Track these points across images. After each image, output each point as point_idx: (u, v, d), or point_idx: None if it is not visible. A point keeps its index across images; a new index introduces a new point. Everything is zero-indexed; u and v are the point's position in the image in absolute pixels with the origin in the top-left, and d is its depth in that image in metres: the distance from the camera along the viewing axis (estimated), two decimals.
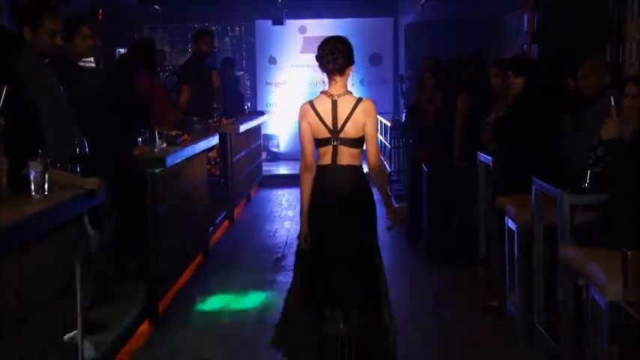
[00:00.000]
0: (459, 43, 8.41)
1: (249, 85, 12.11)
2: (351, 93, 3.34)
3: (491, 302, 4.47)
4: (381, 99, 11.79)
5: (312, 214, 3.28)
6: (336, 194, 3.23)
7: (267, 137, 11.65)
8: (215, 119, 6.85)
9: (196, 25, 10.45)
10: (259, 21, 11.77)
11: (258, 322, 4.42)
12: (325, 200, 3.25)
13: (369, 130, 3.24)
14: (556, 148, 4.08)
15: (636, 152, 2.84)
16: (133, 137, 4.43)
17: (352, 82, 3.35)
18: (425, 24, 10.26)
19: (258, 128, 9.52)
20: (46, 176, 2.67)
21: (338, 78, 3.32)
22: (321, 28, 11.87)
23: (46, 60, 3.48)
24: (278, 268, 5.64)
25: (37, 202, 2.62)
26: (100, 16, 9.21)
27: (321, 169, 3.28)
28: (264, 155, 10.91)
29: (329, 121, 3.25)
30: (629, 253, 2.31)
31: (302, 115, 3.31)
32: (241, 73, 11.65)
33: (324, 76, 3.35)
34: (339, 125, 3.24)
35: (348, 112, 3.25)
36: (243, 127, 7.81)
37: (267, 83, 12.04)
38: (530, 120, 4.30)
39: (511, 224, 4.08)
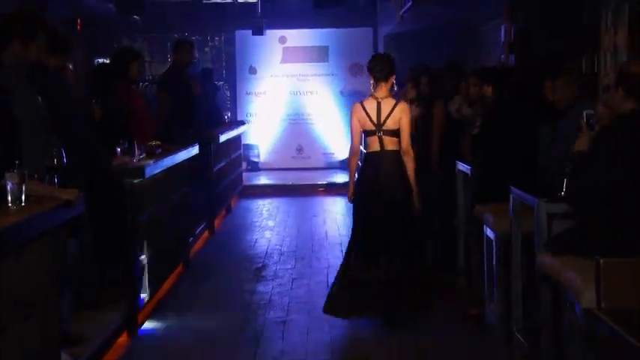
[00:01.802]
0: (438, 53, 8.48)
1: (229, 95, 12.09)
2: (391, 96, 4.40)
3: (472, 310, 4.49)
4: None
5: (365, 186, 4.38)
6: (384, 171, 4.32)
7: (248, 147, 11.64)
8: (195, 129, 6.83)
9: (176, 35, 10.44)
10: (239, 31, 11.78)
11: (239, 331, 4.40)
12: (375, 175, 4.32)
13: (404, 124, 4.31)
14: (534, 156, 4.13)
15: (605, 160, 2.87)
16: (112, 147, 4.40)
17: (394, 87, 4.55)
18: (404, 34, 10.33)
19: (238, 138, 9.51)
20: (23, 187, 2.65)
21: (383, 84, 4.37)
22: (301, 38, 11.94)
23: (25, 70, 3.45)
24: (258, 278, 5.63)
25: (13, 214, 2.59)
26: (79, 26, 9.16)
27: (372, 154, 4.38)
28: (244, 165, 10.90)
29: (374, 118, 4.32)
30: (601, 261, 2.34)
31: (353, 112, 4.39)
32: (221, 83, 11.64)
33: (373, 83, 4.38)
34: (382, 120, 4.29)
35: (389, 111, 4.30)
36: (223, 137, 7.80)
37: (248, 93, 12.05)
38: (507, 129, 4.36)
39: (489, 232, 4.11)
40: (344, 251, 4.68)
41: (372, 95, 4.39)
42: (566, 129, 3.60)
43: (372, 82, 4.37)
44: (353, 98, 11.88)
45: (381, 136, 4.32)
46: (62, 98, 3.89)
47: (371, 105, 4.36)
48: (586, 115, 3.17)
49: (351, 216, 4.59)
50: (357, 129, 4.38)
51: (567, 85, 3.97)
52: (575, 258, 2.83)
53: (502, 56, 6.74)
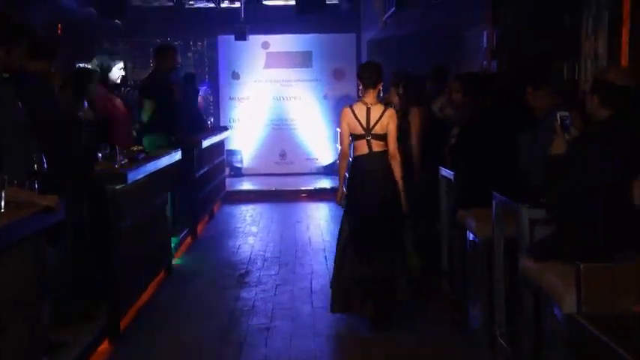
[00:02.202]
0: (421, 58, 8.52)
1: (212, 100, 12.07)
2: (380, 102, 4.61)
3: (455, 314, 4.52)
4: None
5: (354, 188, 4.55)
6: (372, 171, 4.51)
7: (231, 152, 11.62)
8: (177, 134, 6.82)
9: (158, 40, 10.40)
10: (222, 36, 11.77)
11: (221, 339, 4.39)
12: (364, 176, 4.51)
13: (391, 129, 4.51)
14: (515, 161, 4.17)
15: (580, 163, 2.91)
16: (94, 153, 4.38)
17: (381, 94, 4.82)
18: (387, 40, 10.38)
19: (221, 144, 9.49)
20: (2, 193, 2.63)
21: (371, 90, 4.54)
22: (284, 43, 11.95)
23: (5, 75, 3.43)
24: (241, 284, 5.62)
25: None
26: (60, 30, 9.10)
27: (360, 157, 4.54)
28: (227, 171, 10.87)
29: (364, 122, 4.49)
30: (581, 266, 2.36)
31: (343, 117, 4.55)
32: (203, 88, 11.61)
33: (362, 89, 4.57)
34: (371, 125, 4.48)
35: (378, 116, 4.50)
36: (206, 143, 7.78)
37: (231, 98, 12.03)
38: (489, 135, 4.40)
39: (472, 237, 4.13)
40: (330, 255, 4.80)
41: (361, 100, 4.57)
42: (544, 133, 3.64)
43: (360, 87, 4.59)
44: (336, 103, 12.00)
45: (369, 139, 4.51)
46: (48, 103, 3.87)
47: (360, 110, 4.53)
48: (560, 117, 3.17)
49: (341, 217, 4.72)
50: (347, 132, 4.56)
51: (548, 94, 4.02)
52: (556, 263, 2.86)
53: (484, 62, 6.79)
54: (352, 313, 4.54)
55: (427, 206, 5.38)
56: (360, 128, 4.52)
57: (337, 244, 4.64)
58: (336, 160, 11.30)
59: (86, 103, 4.88)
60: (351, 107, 4.57)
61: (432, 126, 5.57)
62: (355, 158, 4.61)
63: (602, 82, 2.94)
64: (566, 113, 3.19)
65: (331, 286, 4.63)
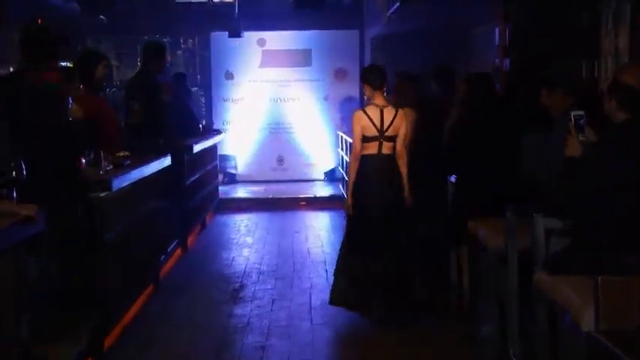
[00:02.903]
0: (427, 56, 8.55)
1: (204, 101, 12.10)
2: (390, 104, 4.96)
3: (464, 329, 4.52)
4: (346, 117, 11.89)
5: (361, 186, 4.91)
6: (380, 171, 4.90)
7: (224, 158, 11.64)
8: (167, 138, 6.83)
9: (146, 37, 10.43)
10: (215, 33, 11.81)
11: (215, 357, 4.39)
12: (371, 175, 4.89)
13: (402, 130, 4.94)
14: (517, 161, 4.22)
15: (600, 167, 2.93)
16: (77, 159, 4.38)
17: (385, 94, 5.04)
18: (392, 37, 10.42)
19: (214, 148, 9.50)
20: None
21: (379, 92, 4.93)
22: (282, 40, 11.99)
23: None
24: (236, 300, 5.62)
25: None
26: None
27: (369, 157, 4.90)
28: (220, 177, 10.88)
29: (378, 124, 4.87)
30: (599, 279, 2.37)
31: (357, 120, 4.86)
32: (195, 89, 11.64)
33: (370, 92, 4.94)
34: (385, 127, 4.86)
35: (391, 118, 4.87)
36: (197, 147, 7.79)
37: (224, 100, 12.06)
38: (489, 135, 4.46)
39: (484, 250, 4.14)
40: (331, 268, 5.07)
41: (372, 103, 4.92)
42: (557, 135, 3.66)
43: (366, 91, 4.98)
44: (338, 105, 12.03)
45: (381, 141, 4.89)
46: (52, 103, 3.89)
47: (374, 112, 4.89)
48: (574, 116, 3.19)
49: (348, 216, 5.09)
50: (360, 135, 4.88)
51: (563, 94, 4.04)
52: (573, 276, 2.87)
53: (496, 60, 6.81)
54: (352, 310, 4.90)
55: (432, 215, 5.39)
56: (373, 130, 4.87)
57: (344, 243, 5.04)
58: (337, 166, 11.34)
59: (71, 102, 4.89)
60: (364, 110, 4.91)
61: (431, 130, 5.56)
62: (363, 157, 4.93)
63: (620, 85, 2.97)
64: (581, 112, 3.21)
65: (334, 275, 5.02)
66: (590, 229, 2.93)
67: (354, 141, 4.93)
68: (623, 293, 2.35)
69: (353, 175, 4.98)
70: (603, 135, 3.06)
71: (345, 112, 11.93)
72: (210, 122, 11.59)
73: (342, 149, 10.20)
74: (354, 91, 11.89)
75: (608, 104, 3.05)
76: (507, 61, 6.41)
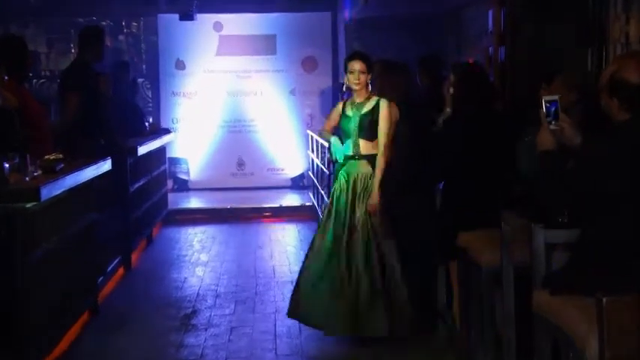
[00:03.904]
0: (411, 44, 8.63)
1: (150, 96, 12.05)
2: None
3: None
4: (316, 114, 11.94)
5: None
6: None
7: (174, 161, 11.60)
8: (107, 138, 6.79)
9: (81, 20, 10.37)
10: (163, 15, 11.78)
11: None
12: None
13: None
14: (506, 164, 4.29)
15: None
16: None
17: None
18: (370, 20, 10.47)
19: (162, 150, 9.47)
20: None
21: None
22: (242, 24, 11.99)
23: None
24: (187, 328, 5.59)
25: None
26: None
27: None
28: (170, 184, 10.84)
29: None
30: (604, 299, 2.39)
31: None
32: (140, 80, 11.59)
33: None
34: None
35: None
36: (142, 149, 7.76)
37: (174, 94, 12.03)
38: (477, 134, 4.53)
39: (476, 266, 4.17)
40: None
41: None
42: None
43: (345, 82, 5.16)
44: (307, 100, 12.05)
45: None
46: None
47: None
48: (544, 102, 3.15)
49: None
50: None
51: (567, 90, 4.09)
52: (577, 297, 2.90)
53: (490, 48, 6.89)
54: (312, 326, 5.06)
55: (418, 229, 5.42)
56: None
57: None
58: (307, 171, 11.36)
59: None
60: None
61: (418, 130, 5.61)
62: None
63: (623, 84, 2.97)
64: (555, 97, 3.16)
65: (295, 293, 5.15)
66: (592, 241, 2.96)
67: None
68: (633, 314, 2.37)
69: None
70: (604, 135, 3.07)
71: (316, 108, 11.96)
72: (157, 120, 11.56)
73: (312, 151, 10.21)
74: (326, 84, 11.93)
75: (607, 101, 3.07)
76: (502, 50, 6.48)
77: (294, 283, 5.33)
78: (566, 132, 3.12)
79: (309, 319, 5.05)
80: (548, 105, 3.14)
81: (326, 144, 6.00)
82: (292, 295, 5.18)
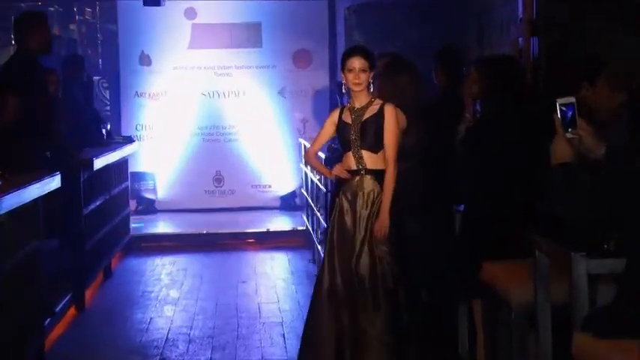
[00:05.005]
0: (423, 34, 8.65)
1: (108, 97, 12.06)
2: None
3: None
4: (309, 119, 11.94)
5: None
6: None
7: (139, 177, 11.59)
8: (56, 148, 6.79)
9: (23, 5, 10.39)
10: (124, 0, 11.80)
11: None
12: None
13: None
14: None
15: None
16: None
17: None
18: (374, 7, 10.50)
19: (123, 164, 9.47)
20: None
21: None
22: (219, 11, 12.02)
23: None
24: None
25: None
26: None
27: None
28: (133, 205, 10.82)
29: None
30: None
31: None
32: (97, 78, 11.60)
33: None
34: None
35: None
36: (99, 162, 7.76)
37: (138, 95, 12.03)
38: (495, 146, 4.56)
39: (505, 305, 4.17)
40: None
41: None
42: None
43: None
44: (299, 101, 12.06)
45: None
46: None
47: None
48: (560, 106, 3.15)
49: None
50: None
51: (611, 89, 4.10)
52: (627, 341, 2.89)
53: (520, 39, 6.91)
54: None
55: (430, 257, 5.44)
56: None
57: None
58: (299, 188, 11.35)
59: None
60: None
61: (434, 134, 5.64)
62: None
63: (609, 71, 3.00)
64: (572, 100, 3.16)
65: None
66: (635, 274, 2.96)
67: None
68: None
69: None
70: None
71: (309, 112, 11.97)
72: (117, 126, 11.57)
73: (305, 164, 10.21)
74: (322, 82, 11.95)
75: (598, 94, 3.08)
76: (535, 41, 6.50)
77: (283, 326, 5.35)
78: (585, 141, 3.12)
79: None
80: (563, 109, 3.14)
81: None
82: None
